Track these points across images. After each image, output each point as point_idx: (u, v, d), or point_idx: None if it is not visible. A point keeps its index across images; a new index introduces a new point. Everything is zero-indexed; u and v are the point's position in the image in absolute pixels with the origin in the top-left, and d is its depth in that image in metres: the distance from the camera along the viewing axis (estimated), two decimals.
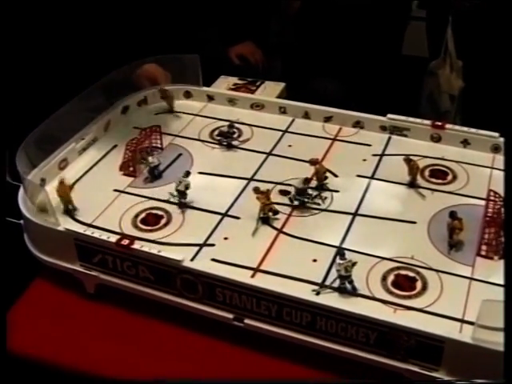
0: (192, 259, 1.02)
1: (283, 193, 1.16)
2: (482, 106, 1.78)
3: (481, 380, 0.82)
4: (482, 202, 1.12)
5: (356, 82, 1.92)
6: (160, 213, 1.12)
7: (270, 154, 1.28)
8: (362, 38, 1.93)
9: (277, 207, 1.11)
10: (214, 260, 1.02)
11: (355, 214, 1.11)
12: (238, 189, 1.18)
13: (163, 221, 1.11)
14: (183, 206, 1.14)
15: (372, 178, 1.20)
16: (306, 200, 1.13)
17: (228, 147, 1.30)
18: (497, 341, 0.80)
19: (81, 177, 1.22)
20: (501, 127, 1.18)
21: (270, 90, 1.53)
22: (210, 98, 1.46)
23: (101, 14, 1.48)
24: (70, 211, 1.12)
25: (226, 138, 1.31)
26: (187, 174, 1.14)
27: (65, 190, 1.12)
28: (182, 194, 1.13)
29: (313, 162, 1.17)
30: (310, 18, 2.01)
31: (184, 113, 1.43)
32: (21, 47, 1.40)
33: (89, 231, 1.04)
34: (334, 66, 1.94)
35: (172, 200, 1.15)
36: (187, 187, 1.13)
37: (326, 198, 1.15)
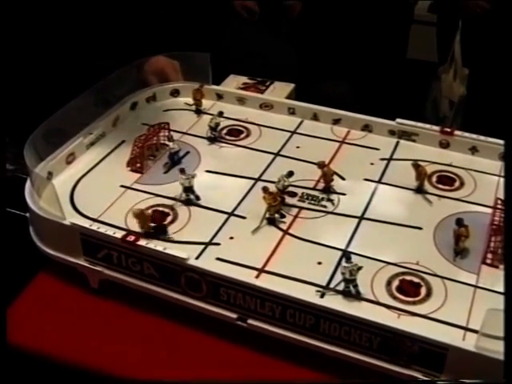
0: (197, 257, 1.02)
1: (290, 194, 1.15)
2: (485, 115, 1.78)
3: (481, 380, 0.83)
4: (489, 210, 1.12)
5: (365, 85, 1.92)
6: (166, 210, 1.12)
7: (277, 154, 1.27)
8: (370, 40, 1.93)
9: (283, 208, 1.11)
10: (218, 259, 1.02)
11: (361, 218, 1.11)
12: (244, 188, 1.17)
13: (169, 218, 1.11)
14: (190, 202, 1.14)
15: (379, 182, 1.20)
16: None
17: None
18: (500, 350, 0.79)
19: (88, 171, 1.22)
20: (504, 135, 1.18)
21: (279, 91, 1.53)
22: (219, 96, 1.46)
23: (109, 8, 1.48)
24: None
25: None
26: (182, 171, 1.15)
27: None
28: (188, 189, 1.14)
29: (320, 165, 1.16)
30: (314, 20, 2.01)
31: (193, 111, 1.43)
32: (32, 41, 1.40)
33: (94, 226, 1.04)
34: (344, 69, 1.94)
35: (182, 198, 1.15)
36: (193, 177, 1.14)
37: (332, 200, 1.15)
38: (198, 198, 1.14)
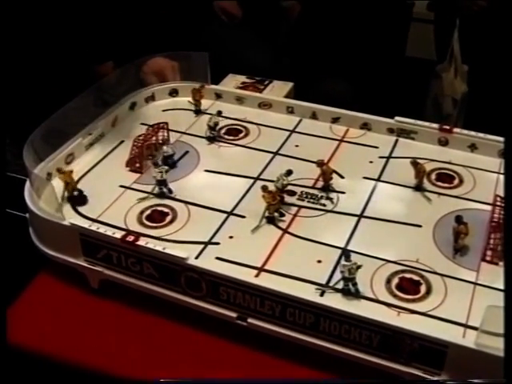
0: (197, 257, 1.01)
1: (289, 193, 1.15)
2: (486, 112, 1.78)
3: (481, 380, 0.82)
4: (488, 207, 1.11)
5: (364, 84, 1.92)
6: (165, 210, 1.12)
7: (276, 153, 1.27)
8: (369, 38, 1.93)
9: (282, 207, 1.11)
10: (218, 258, 1.02)
11: (361, 216, 1.11)
12: (244, 188, 1.17)
13: (168, 218, 1.11)
14: (163, 195, 1.15)
15: (378, 180, 1.20)
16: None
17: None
18: (500, 347, 0.79)
19: (87, 172, 1.22)
20: (503, 132, 1.18)
21: (277, 90, 1.53)
22: (218, 95, 1.46)
23: (109, 8, 1.49)
24: (76, 198, 1.11)
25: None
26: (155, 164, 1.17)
27: (69, 175, 1.14)
28: (161, 183, 1.15)
29: (319, 164, 1.17)
30: (313, 20, 2.01)
31: (191, 110, 1.43)
32: (32, 42, 1.41)
33: (94, 226, 1.04)
34: (343, 67, 1.94)
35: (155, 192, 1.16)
36: (167, 171, 1.15)
37: (331, 199, 1.15)
38: (170, 191, 1.16)
